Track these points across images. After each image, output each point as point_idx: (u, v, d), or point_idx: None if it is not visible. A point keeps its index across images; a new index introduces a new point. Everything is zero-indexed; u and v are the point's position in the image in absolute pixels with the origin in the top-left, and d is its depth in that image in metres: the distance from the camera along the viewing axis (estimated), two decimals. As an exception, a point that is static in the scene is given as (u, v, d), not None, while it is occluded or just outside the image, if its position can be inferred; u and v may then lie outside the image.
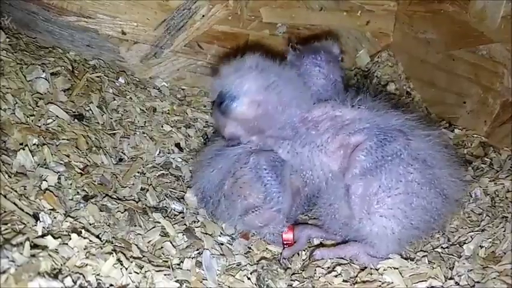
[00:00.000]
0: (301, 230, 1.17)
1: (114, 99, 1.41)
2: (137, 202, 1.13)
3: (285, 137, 1.11)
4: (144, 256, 0.97)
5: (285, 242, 1.14)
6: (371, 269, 1.02)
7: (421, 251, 1.08)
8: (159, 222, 1.08)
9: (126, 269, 0.89)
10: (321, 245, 1.16)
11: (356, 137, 1.05)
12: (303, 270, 1.06)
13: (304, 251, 1.15)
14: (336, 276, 1.01)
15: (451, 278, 0.97)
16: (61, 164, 1.09)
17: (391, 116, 1.07)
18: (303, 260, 1.12)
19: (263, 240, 1.15)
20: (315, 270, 1.05)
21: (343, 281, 1.00)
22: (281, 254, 1.12)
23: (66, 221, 0.95)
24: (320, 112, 1.10)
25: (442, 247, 1.07)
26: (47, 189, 1.01)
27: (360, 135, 1.05)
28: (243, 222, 1.11)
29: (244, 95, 1.07)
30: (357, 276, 1.01)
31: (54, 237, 0.87)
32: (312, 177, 1.09)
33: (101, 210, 1.04)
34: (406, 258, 1.04)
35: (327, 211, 1.10)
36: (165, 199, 1.18)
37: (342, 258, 1.08)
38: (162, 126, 1.42)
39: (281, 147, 1.11)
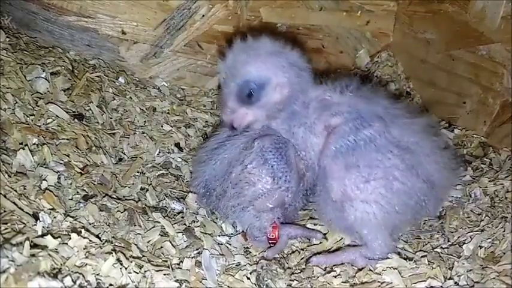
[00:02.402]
0: (281, 228, 1.17)
1: (114, 99, 1.41)
2: (137, 202, 1.13)
3: (287, 119, 1.13)
4: (143, 256, 0.97)
5: (270, 241, 1.14)
6: (369, 269, 1.02)
7: (420, 251, 1.08)
8: (159, 222, 1.08)
9: (126, 268, 0.89)
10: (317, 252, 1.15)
11: (335, 120, 1.09)
12: (301, 271, 1.06)
13: (302, 250, 1.15)
14: (335, 276, 1.01)
15: (450, 278, 0.97)
16: (61, 163, 1.09)
17: (375, 103, 1.10)
18: (302, 258, 1.12)
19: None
20: (314, 270, 1.05)
21: (342, 281, 1.00)
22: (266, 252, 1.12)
23: (66, 221, 0.95)
24: (313, 95, 1.13)
25: (441, 247, 1.07)
26: (46, 188, 1.01)
27: (339, 118, 1.08)
28: (254, 208, 1.11)
29: (271, 80, 1.08)
30: (355, 276, 1.01)
31: (54, 237, 0.87)
32: (306, 158, 1.13)
33: (100, 210, 1.04)
34: (405, 258, 1.04)
35: (320, 197, 1.11)
36: (164, 199, 1.18)
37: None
38: (161, 126, 1.42)
39: (283, 128, 1.14)
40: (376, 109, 1.09)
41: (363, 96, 1.12)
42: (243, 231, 1.16)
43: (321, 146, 1.10)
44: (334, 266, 1.06)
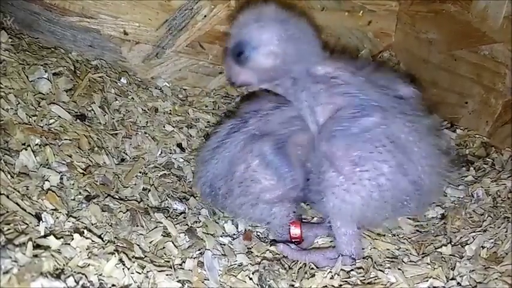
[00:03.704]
0: (309, 229, 1.18)
1: (116, 100, 1.41)
2: (139, 202, 1.13)
3: (291, 85, 1.13)
4: (146, 256, 0.97)
5: (292, 238, 1.14)
6: (373, 267, 1.02)
7: (422, 252, 1.08)
8: (161, 223, 1.08)
9: (128, 269, 0.89)
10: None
11: (339, 100, 1.08)
12: (305, 271, 1.06)
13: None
14: (337, 276, 1.01)
15: (452, 279, 0.97)
16: (63, 164, 1.10)
17: (382, 93, 1.09)
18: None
19: (264, 242, 1.15)
20: (317, 270, 1.05)
21: (345, 281, 0.99)
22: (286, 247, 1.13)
23: (69, 221, 0.95)
24: (322, 70, 1.12)
25: (443, 247, 1.06)
26: (49, 189, 1.01)
27: (342, 100, 1.08)
28: (259, 200, 1.11)
29: (264, 46, 1.08)
30: (358, 276, 1.01)
31: (57, 238, 0.87)
32: (308, 124, 1.13)
33: (103, 211, 1.04)
34: (407, 259, 1.04)
35: (313, 180, 1.11)
36: (167, 199, 1.19)
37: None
38: (164, 127, 1.42)
39: (287, 93, 1.15)
40: (380, 98, 1.07)
41: (375, 83, 1.10)
42: (245, 231, 1.16)
43: (323, 118, 1.10)
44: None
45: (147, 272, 0.91)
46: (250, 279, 1.00)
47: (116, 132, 1.31)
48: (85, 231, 0.93)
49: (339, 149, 1.03)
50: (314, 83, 1.11)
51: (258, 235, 1.18)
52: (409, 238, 1.14)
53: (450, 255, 1.04)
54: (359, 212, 1.04)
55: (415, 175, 1.04)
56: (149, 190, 1.19)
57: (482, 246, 1.03)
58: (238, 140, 1.14)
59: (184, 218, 1.14)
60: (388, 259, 1.07)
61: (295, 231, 1.15)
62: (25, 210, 0.91)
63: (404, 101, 1.10)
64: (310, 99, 1.11)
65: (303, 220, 1.23)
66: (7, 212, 0.89)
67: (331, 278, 1.00)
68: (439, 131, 1.24)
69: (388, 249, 1.11)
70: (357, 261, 1.06)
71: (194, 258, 1.01)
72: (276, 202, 1.12)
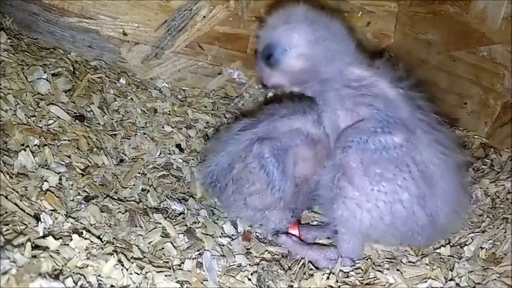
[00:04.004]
0: (308, 231, 1.18)
1: (115, 100, 1.41)
2: (138, 203, 1.13)
3: (321, 85, 1.09)
4: (144, 257, 0.97)
5: None
6: (372, 268, 1.02)
7: (421, 252, 1.08)
8: (160, 223, 1.08)
9: (127, 269, 0.89)
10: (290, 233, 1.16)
11: (363, 110, 1.04)
12: (304, 272, 1.06)
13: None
14: (336, 277, 1.01)
15: (451, 279, 0.97)
16: (62, 164, 1.10)
17: (417, 112, 1.03)
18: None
19: (264, 243, 1.15)
20: (316, 271, 1.05)
21: (344, 282, 0.99)
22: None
23: (67, 222, 0.95)
24: (358, 71, 1.07)
25: (442, 248, 1.06)
26: (48, 190, 1.01)
27: (366, 110, 1.03)
28: (246, 204, 1.12)
29: (293, 48, 1.06)
30: (357, 277, 1.01)
31: (55, 238, 0.87)
32: (328, 128, 1.10)
33: (101, 211, 1.04)
34: (406, 260, 1.04)
35: (324, 185, 1.09)
36: (165, 200, 1.18)
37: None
38: (163, 127, 1.42)
39: (317, 94, 1.11)
40: (414, 120, 1.02)
41: (413, 100, 1.05)
42: (244, 232, 1.16)
43: (344, 124, 1.06)
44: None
45: (146, 272, 0.91)
46: (249, 279, 1.00)
47: (115, 132, 1.31)
48: (84, 231, 0.93)
49: (353, 161, 1.00)
50: (344, 86, 1.07)
51: (257, 236, 1.18)
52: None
53: (449, 256, 1.04)
54: (365, 230, 1.02)
55: (433, 210, 1.01)
56: (148, 191, 1.19)
57: (481, 247, 1.03)
58: (245, 138, 1.14)
59: (183, 218, 1.14)
60: (387, 260, 1.07)
61: (293, 232, 1.16)
62: (24, 211, 0.91)
63: (441, 128, 1.05)
64: (336, 102, 1.07)
65: (302, 223, 1.23)
66: (6, 212, 0.89)
67: (329, 279, 1.00)
68: (467, 169, 1.18)
69: (386, 250, 1.11)
70: (356, 262, 1.06)
71: (193, 258, 1.01)
72: (262, 209, 1.12)
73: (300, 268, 1.04)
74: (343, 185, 1.03)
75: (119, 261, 0.90)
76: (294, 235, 1.15)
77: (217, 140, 1.24)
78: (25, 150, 1.06)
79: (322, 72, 1.07)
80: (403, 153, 0.99)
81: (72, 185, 1.07)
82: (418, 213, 1.00)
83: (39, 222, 0.91)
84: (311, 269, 1.06)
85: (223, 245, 1.09)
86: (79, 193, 1.07)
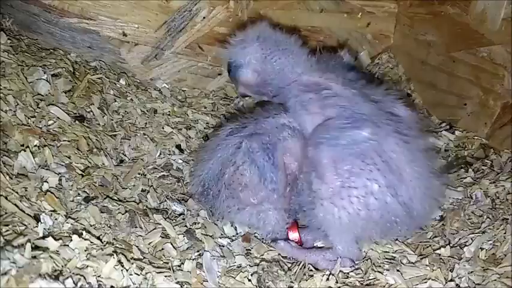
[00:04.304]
0: (307, 233, 1.18)
1: (115, 101, 1.41)
2: (138, 203, 1.13)
3: (283, 95, 1.18)
4: (144, 258, 0.97)
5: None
6: (372, 269, 1.02)
7: (421, 253, 1.08)
8: (160, 224, 1.08)
9: (127, 270, 0.89)
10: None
11: (329, 111, 1.09)
12: (303, 273, 1.06)
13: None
14: (336, 277, 1.01)
15: (451, 280, 0.97)
16: (62, 165, 1.09)
17: (375, 108, 1.08)
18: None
19: (264, 243, 1.15)
20: (315, 272, 1.05)
21: (343, 283, 1.00)
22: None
23: (67, 223, 0.95)
24: (311, 79, 1.15)
25: (442, 249, 1.06)
26: (48, 190, 1.01)
27: (333, 111, 1.08)
28: (240, 206, 1.12)
29: (246, 66, 1.20)
30: (357, 277, 1.01)
31: (55, 239, 0.87)
32: (302, 131, 1.14)
33: (101, 212, 1.04)
34: (406, 261, 1.04)
35: (304, 191, 1.11)
36: (165, 200, 1.18)
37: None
38: (162, 128, 1.42)
39: (282, 102, 1.19)
40: (375, 115, 1.07)
41: (368, 96, 1.10)
42: (244, 234, 1.16)
43: (312, 127, 1.10)
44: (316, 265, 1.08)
45: (146, 273, 0.91)
46: (249, 280, 1.00)
47: (115, 133, 1.31)
48: (84, 232, 0.93)
49: (324, 157, 1.03)
50: (304, 92, 1.13)
51: (257, 236, 1.18)
52: (408, 240, 1.14)
53: (449, 256, 1.04)
54: (346, 228, 1.03)
55: (405, 197, 1.03)
56: (148, 191, 1.19)
57: (481, 248, 1.03)
58: (233, 143, 1.15)
59: (183, 219, 1.14)
60: (386, 260, 1.07)
61: (294, 235, 1.16)
62: (24, 212, 0.91)
63: (398, 118, 1.09)
64: (299, 107, 1.13)
65: (301, 225, 1.23)
66: (6, 213, 0.89)
67: (329, 280, 1.00)
68: (434, 152, 1.22)
69: (386, 251, 1.11)
70: (356, 262, 1.06)
71: (193, 259, 1.01)
72: (258, 204, 1.12)
73: (300, 269, 1.05)
74: (317, 188, 1.04)
75: (119, 262, 0.90)
76: (294, 239, 1.15)
77: (203, 149, 1.25)
78: (25, 151, 1.06)
79: (275, 84, 1.19)
80: (371, 146, 1.02)
81: (72, 185, 1.07)
82: (392, 203, 1.02)
83: (39, 222, 0.91)
84: (311, 270, 1.06)
85: (223, 246, 1.09)
86: (79, 194, 1.06)
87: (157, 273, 0.92)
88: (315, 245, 1.18)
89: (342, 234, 1.06)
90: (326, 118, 1.08)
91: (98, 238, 0.95)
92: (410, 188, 1.03)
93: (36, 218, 0.92)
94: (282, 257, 1.11)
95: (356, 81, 1.14)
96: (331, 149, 1.03)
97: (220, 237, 1.12)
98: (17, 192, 0.95)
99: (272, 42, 1.20)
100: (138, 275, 0.90)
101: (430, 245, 1.10)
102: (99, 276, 0.85)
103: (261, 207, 1.13)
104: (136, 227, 1.05)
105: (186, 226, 1.12)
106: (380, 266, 1.05)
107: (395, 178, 1.02)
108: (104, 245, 0.93)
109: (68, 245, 0.87)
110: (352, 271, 1.04)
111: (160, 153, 1.34)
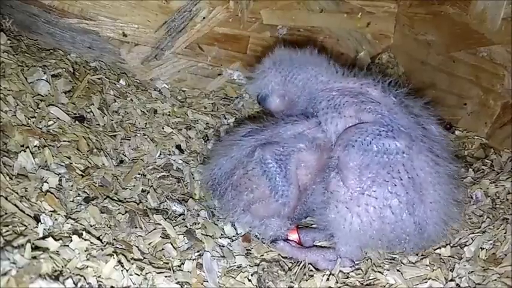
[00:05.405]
0: (306, 233, 1.18)
1: (115, 101, 1.41)
2: (138, 204, 1.13)
3: (313, 105, 1.16)
4: (144, 258, 0.97)
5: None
6: (372, 269, 1.02)
7: (421, 253, 1.08)
8: (160, 224, 1.08)
9: (127, 270, 0.89)
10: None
11: (366, 116, 1.05)
12: (304, 273, 1.06)
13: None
14: (336, 278, 1.01)
15: (451, 280, 0.97)
16: (62, 165, 1.09)
17: (413, 121, 1.05)
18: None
19: (264, 243, 1.15)
20: (316, 272, 1.05)
21: (344, 283, 1.00)
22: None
23: (67, 223, 0.95)
24: (344, 84, 1.14)
25: (442, 249, 1.06)
26: (48, 191, 1.01)
27: (370, 116, 1.05)
28: (248, 212, 1.11)
29: (271, 94, 1.24)
30: (357, 277, 1.01)
31: (55, 239, 0.87)
32: (326, 136, 1.11)
33: (101, 212, 1.04)
34: (406, 260, 1.04)
35: (317, 190, 1.09)
36: (165, 201, 1.18)
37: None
38: (162, 128, 1.42)
39: (312, 111, 1.17)
40: (412, 129, 1.03)
41: (408, 108, 1.07)
42: (244, 234, 1.16)
43: (342, 129, 1.07)
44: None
45: (146, 273, 0.91)
46: (249, 280, 1.00)
47: (115, 133, 1.31)
48: (84, 232, 0.93)
49: (352, 160, 1.00)
50: (338, 96, 1.10)
51: (257, 236, 1.18)
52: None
53: (449, 256, 1.04)
54: (355, 234, 1.02)
55: (421, 218, 1.00)
56: (148, 192, 1.19)
57: (481, 248, 1.03)
58: (249, 145, 1.14)
59: (183, 219, 1.14)
60: (386, 260, 1.07)
61: (293, 236, 1.16)
62: (24, 212, 0.91)
63: (434, 137, 1.06)
64: (331, 110, 1.09)
65: (300, 226, 1.23)
66: (6, 213, 0.89)
67: (329, 280, 1.00)
68: (461, 180, 1.16)
69: (386, 251, 1.10)
70: (356, 263, 1.06)
71: (193, 259, 1.01)
72: (267, 217, 1.11)
73: (300, 269, 1.05)
74: (335, 189, 1.02)
75: (119, 262, 0.89)
76: (293, 240, 1.15)
77: (221, 143, 1.25)
78: (25, 151, 1.06)
79: (303, 100, 1.20)
80: (402, 160, 0.99)
81: (72, 186, 1.07)
82: (407, 221, 1.00)
83: (39, 223, 0.91)
84: (311, 270, 1.06)
85: (223, 246, 1.09)
86: (79, 194, 1.06)
87: (158, 273, 0.92)
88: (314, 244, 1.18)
89: (348, 239, 1.04)
90: (360, 122, 1.05)
91: (98, 238, 0.95)
92: (428, 210, 1.01)
93: (36, 219, 0.92)
94: (282, 257, 1.11)
95: (396, 90, 1.09)
96: (361, 153, 1.00)
97: (220, 238, 1.12)
98: (17, 193, 0.95)
99: (288, 62, 1.23)
100: (138, 275, 0.90)
101: (430, 245, 1.09)
102: (99, 277, 0.85)
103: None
104: (136, 228, 1.05)
105: (186, 226, 1.12)
106: (380, 266, 1.05)
107: (417, 197, 0.99)
108: (104, 246, 0.93)
109: (68, 246, 0.87)
110: (352, 271, 1.04)
111: (160, 154, 1.34)
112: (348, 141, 1.02)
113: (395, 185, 0.99)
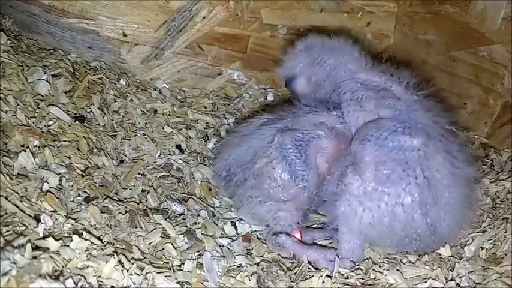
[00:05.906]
0: (306, 233, 1.18)
1: (115, 101, 1.41)
2: (138, 204, 1.13)
3: (337, 92, 1.17)
4: (145, 258, 0.97)
5: None
6: (372, 269, 1.02)
7: (421, 253, 1.08)
8: (160, 224, 1.08)
9: (127, 270, 0.89)
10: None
11: (384, 111, 1.06)
12: (303, 273, 1.05)
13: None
14: (336, 278, 1.01)
15: (451, 280, 0.97)
16: (62, 165, 1.09)
17: (432, 120, 1.04)
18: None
19: (264, 243, 1.15)
20: (315, 272, 1.05)
21: (344, 283, 0.99)
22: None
23: (68, 223, 0.95)
24: (369, 77, 1.15)
25: (442, 248, 1.06)
26: (48, 191, 1.01)
27: (390, 111, 1.05)
28: (266, 200, 1.12)
29: (298, 76, 1.27)
30: (357, 277, 1.01)
31: (56, 239, 0.87)
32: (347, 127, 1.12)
33: (102, 212, 1.04)
34: (406, 260, 1.04)
35: (331, 181, 1.09)
36: (166, 201, 1.18)
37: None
38: (163, 128, 1.42)
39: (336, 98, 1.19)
40: (431, 127, 1.03)
41: (428, 107, 1.07)
42: (244, 234, 1.16)
43: (362, 123, 1.08)
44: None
45: (146, 273, 0.91)
46: (249, 280, 1.00)
47: (115, 133, 1.31)
48: (84, 232, 0.93)
49: (368, 155, 1.01)
50: (362, 89, 1.11)
51: (257, 236, 1.18)
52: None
53: (449, 256, 1.04)
54: (364, 229, 1.01)
55: (434, 219, 1.00)
56: (148, 191, 1.19)
57: (481, 247, 1.03)
58: (269, 134, 1.14)
59: (184, 219, 1.14)
60: (387, 260, 1.07)
61: (296, 235, 1.15)
62: (24, 212, 0.91)
63: (454, 139, 1.05)
64: (354, 102, 1.11)
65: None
66: (6, 213, 0.89)
67: (329, 280, 1.00)
68: (476, 183, 1.14)
69: (386, 251, 1.10)
70: (356, 264, 1.06)
71: (193, 259, 1.01)
72: (284, 201, 1.11)
73: (299, 269, 1.04)
74: (349, 182, 1.02)
75: (119, 262, 0.89)
76: (294, 236, 1.15)
77: (235, 134, 1.25)
78: (25, 151, 1.06)
79: (329, 84, 1.21)
80: (418, 158, 0.99)
81: (72, 186, 1.07)
82: (418, 221, 1.00)
83: (39, 223, 0.90)
84: (311, 270, 1.06)
85: (223, 246, 1.09)
86: (79, 194, 1.06)
87: (158, 273, 0.92)
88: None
89: (354, 234, 1.03)
90: (379, 118, 1.06)
91: (98, 238, 0.95)
92: (442, 212, 1.00)
93: (37, 219, 0.92)
94: (282, 257, 1.11)
95: (418, 88, 1.09)
96: (377, 148, 1.00)
97: (220, 237, 1.12)
98: (17, 193, 0.95)
99: (319, 46, 1.25)
100: (139, 275, 0.90)
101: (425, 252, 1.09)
102: (99, 277, 0.85)
103: (283, 205, 1.12)
104: (136, 227, 1.05)
105: (186, 226, 1.12)
106: (380, 266, 1.05)
107: (431, 197, 0.99)
108: (104, 245, 0.93)
109: (68, 245, 0.87)
110: (352, 271, 1.03)
111: (160, 154, 1.34)
112: (365, 135, 1.03)
113: (410, 184, 0.99)
